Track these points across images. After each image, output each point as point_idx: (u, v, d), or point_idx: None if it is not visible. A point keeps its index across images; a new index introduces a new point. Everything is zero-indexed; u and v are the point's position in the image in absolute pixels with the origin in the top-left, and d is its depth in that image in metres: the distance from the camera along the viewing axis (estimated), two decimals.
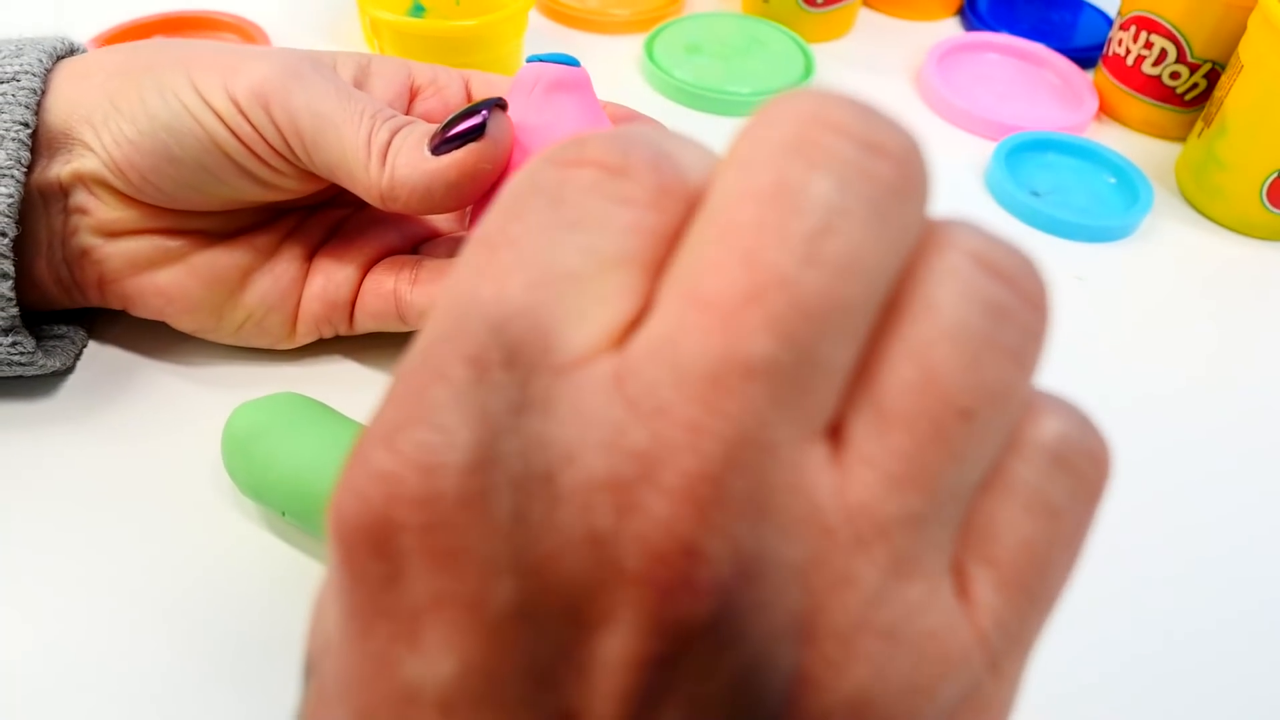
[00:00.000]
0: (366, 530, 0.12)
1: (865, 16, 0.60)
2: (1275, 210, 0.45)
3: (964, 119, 0.50)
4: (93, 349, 0.32)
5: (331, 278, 0.31)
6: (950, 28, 0.60)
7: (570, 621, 0.12)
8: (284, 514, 0.27)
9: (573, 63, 0.27)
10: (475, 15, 0.43)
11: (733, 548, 0.11)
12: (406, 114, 0.30)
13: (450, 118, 0.26)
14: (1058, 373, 0.37)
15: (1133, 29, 0.50)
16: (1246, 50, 0.43)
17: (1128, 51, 0.51)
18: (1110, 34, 0.53)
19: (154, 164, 0.26)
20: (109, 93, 0.26)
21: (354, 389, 0.32)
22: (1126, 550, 0.32)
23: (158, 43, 0.28)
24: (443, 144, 0.25)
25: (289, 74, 0.26)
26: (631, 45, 0.53)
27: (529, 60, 0.27)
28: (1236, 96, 0.44)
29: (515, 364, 0.12)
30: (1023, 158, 0.48)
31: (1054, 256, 0.44)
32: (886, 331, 0.13)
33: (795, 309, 0.11)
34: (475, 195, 0.26)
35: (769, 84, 0.50)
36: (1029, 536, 0.13)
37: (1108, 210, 0.46)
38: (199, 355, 0.32)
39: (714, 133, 0.47)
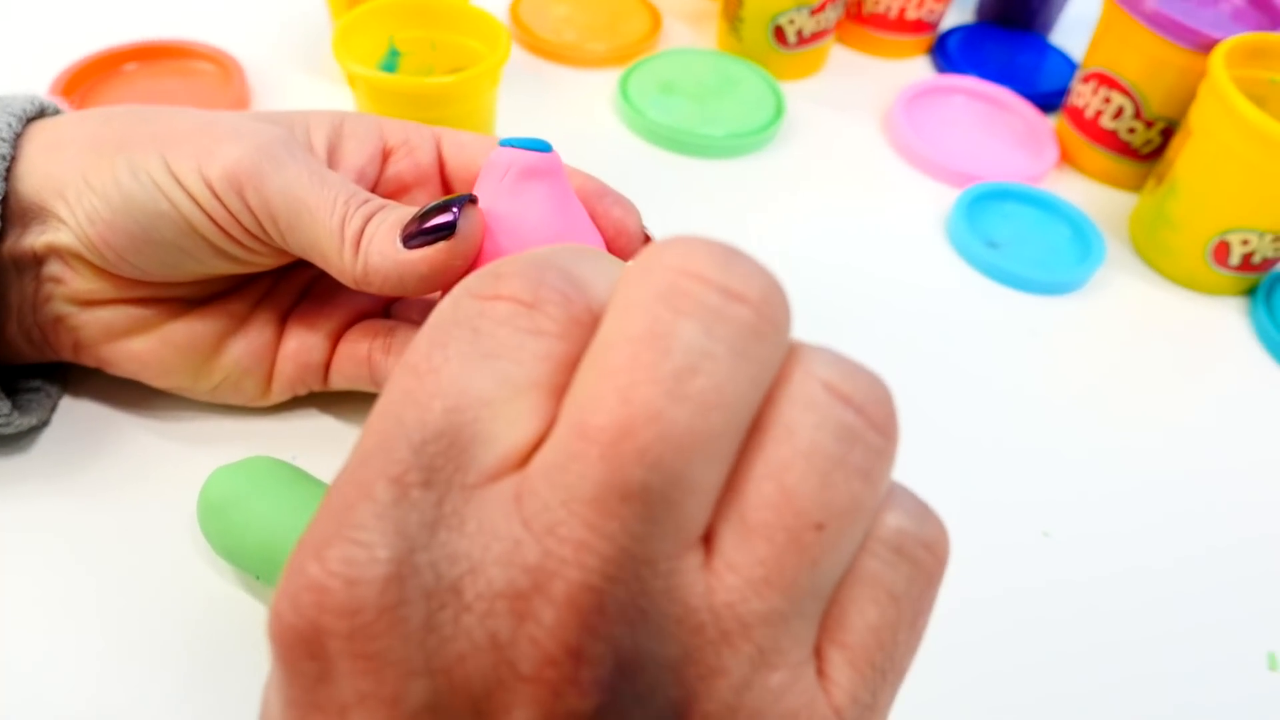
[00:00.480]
0: (299, 634, 0.14)
1: (837, 54, 0.61)
2: (1220, 269, 0.47)
3: (929, 166, 0.52)
4: (67, 402, 0.33)
5: (305, 341, 0.31)
6: (920, 67, 0.61)
7: (475, 716, 0.14)
8: (258, 577, 0.28)
9: (545, 148, 0.28)
10: (450, 62, 0.43)
11: (613, 649, 0.13)
12: (379, 174, 0.31)
13: (423, 210, 0.26)
14: (1012, 424, 0.39)
15: (1093, 84, 0.52)
16: (1196, 116, 0.45)
17: (1087, 105, 0.53)
18: (1071, 84, 0.55)
19: (128, 242, 0.27)
20: (82, 169, 0.27)
21: (329, 443, 0.33)
22: (1077, 598, 0.34)
23: (130, 113, 0.28)
24: (415, 236, 0.26)
25: (263, 157, 0.26)
26: (607, 80, 0.54)
27: (502, 144, 0.28)
28: (1186, 160, 0.45)
29: (432, 484, 0.14)
30: (984, 206, 0.50)
31: (1008, 309, 0.45)
32: (751, 451, 0.15)
33: (664, 441, 0.13)
34: (446, 285, 0.27)
35: (740, 125, 0.51)
36: (874, 620, 0.15)
37: (1061, 263, 0.48)
38: (175, 409, 0.33)
39: (686, 173, 0.49)
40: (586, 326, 0.15)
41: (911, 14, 0.59)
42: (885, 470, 0.15)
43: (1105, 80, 0.51)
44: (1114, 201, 0.53)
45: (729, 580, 0.14)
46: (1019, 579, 0.34)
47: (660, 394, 0.13)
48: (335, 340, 0.32)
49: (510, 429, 0.15)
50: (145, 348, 0.30)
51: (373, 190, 0.31)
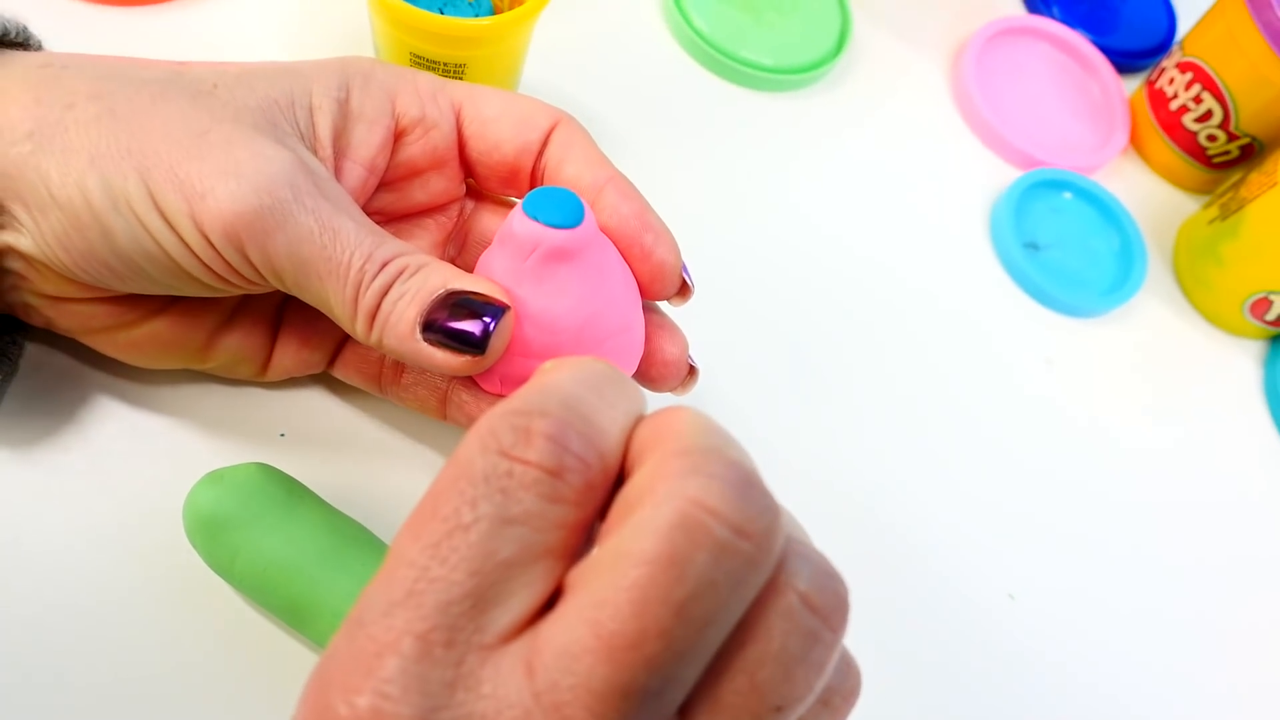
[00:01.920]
0: None
1: None
2: (1252, 320, 0.45)
3: (988, 134, 0.47)
4: (36, 352, 0.30)
5: (307, 342, 0.29)
6: None
7: None
8: (251, 597, 0.27)
9: (576, 220, 0.24)
10: None
11: None
12: (390, 161, 0.27)
13: (452, 300, 0.23)
14: (1023, 451, 0.38)
15: (1188, 76, 0.47)
16: None
17: (1175, 95, 0.48)
18: (1163, 62, 0.49)
19: (103, 269, 0.23)
20: (42, 174, 0.22)
21: (318, 417, 0.31)
22: (1042, 659, 0.35)
23: (95, 93, 0.23)
24: (438, 333, 0.23)
25: (265, 208, 0.22)
26: None
27: (525, 205, 0.24)
28: (1260, 211, 0.42)
29: (454, 644, 0.16)
30: (1035, 195, 0.46)
31: (1028, 330, 0.43)
32: (733, 646, 0.17)
33: (668, 652, 0.15)
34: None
35: (794, 55, 0.46)
36: None
37: (1098, 281, 0.45)
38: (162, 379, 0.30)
39: (726, 104, 0.44)
40: (601, 490, 0.17)
41: None
42: (835, 657, 0.18)
43: (1202, 77, 0.46)
44: (1170, 202, 0.50)
45: None
46: (984, 639, 0.35)
47: (669, 614, 0.15)
48: (339, 343, 0.29)
49: (525, 592, 0.16)
50: (128, 341, 0.27)
51: (382, 180, 0.28)
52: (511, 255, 0.24)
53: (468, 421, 0.28)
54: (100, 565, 0.28)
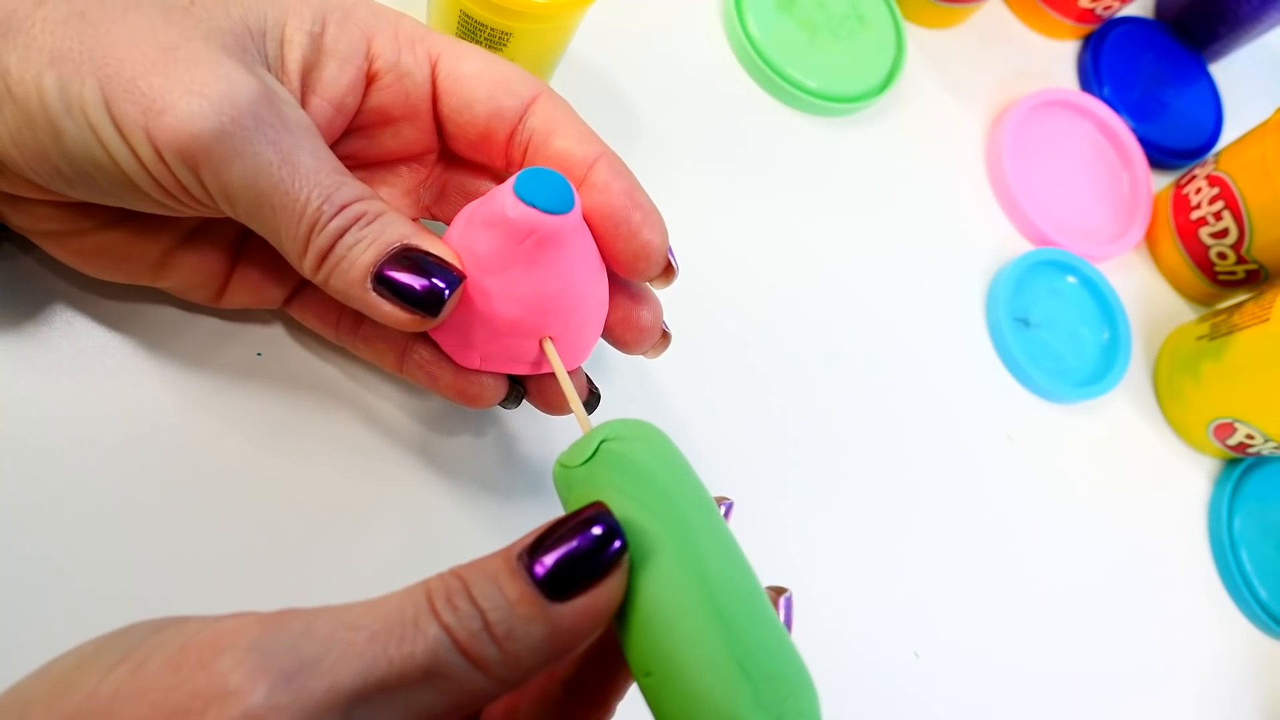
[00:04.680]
0: None
1: (993, 8, 0.53)
2: (1215, 442, 0.46)
3: (1010, 205, 0.48)
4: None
5: (267, 274, 0.28)
6: (1067, 53, 0.55)
7: None
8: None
9: (567, 205, 0.24)
10: None
11: None
12: (362, 105, 0.26)
13: (407, 256, 0.23)
14: (956, 517, 0.40)
15: (1215, 190, 0.47)
16: (1279, 309, 0.42)
17: (1198, 205, 0.48)
18: (1195, 169, 0.50)
19: (54, 172, 0.22)
20: (1, 66, 0.21)
21: (299, 334, 0.32)
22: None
23: None
24: (388, 286, 0.23)
25: (225, 134, 0.21)
26: None
27: (516, 188, 0.23)
28: (1246, 339, 0.43)
29: None
30: (1038, 273, 0.47)
31: (999, 404, 0.44)
32: None
33: None
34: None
35: (839, 84, 0.46)
36: None
37: (1079, 367, 0.46)
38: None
39: (763, 116, 0.44)
40: None
41: (1085, 2, 0.51)
42: None
43: (1227, 194, 0.46)
44: (1167, 304, 0.51)
45: None
46: (890, 696, 0.37)
47: None
48: (298, 282, 0.29)
49: None
50: (78, 248, 0.26)
51: (352, 122, 0.27)
52: (502, 238, 0.24)
53: (425, 378, 0.28)
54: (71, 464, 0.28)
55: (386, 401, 0.32)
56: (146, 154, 0.21)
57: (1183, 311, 0.51)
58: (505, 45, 0.34)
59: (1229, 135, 0.56)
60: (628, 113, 0.41)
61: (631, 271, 0.27)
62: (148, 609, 0.19)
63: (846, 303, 0.43)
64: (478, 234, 0.25)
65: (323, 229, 0.23)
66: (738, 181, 0.43)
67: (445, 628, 0.18)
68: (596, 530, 0.19)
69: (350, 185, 0.23)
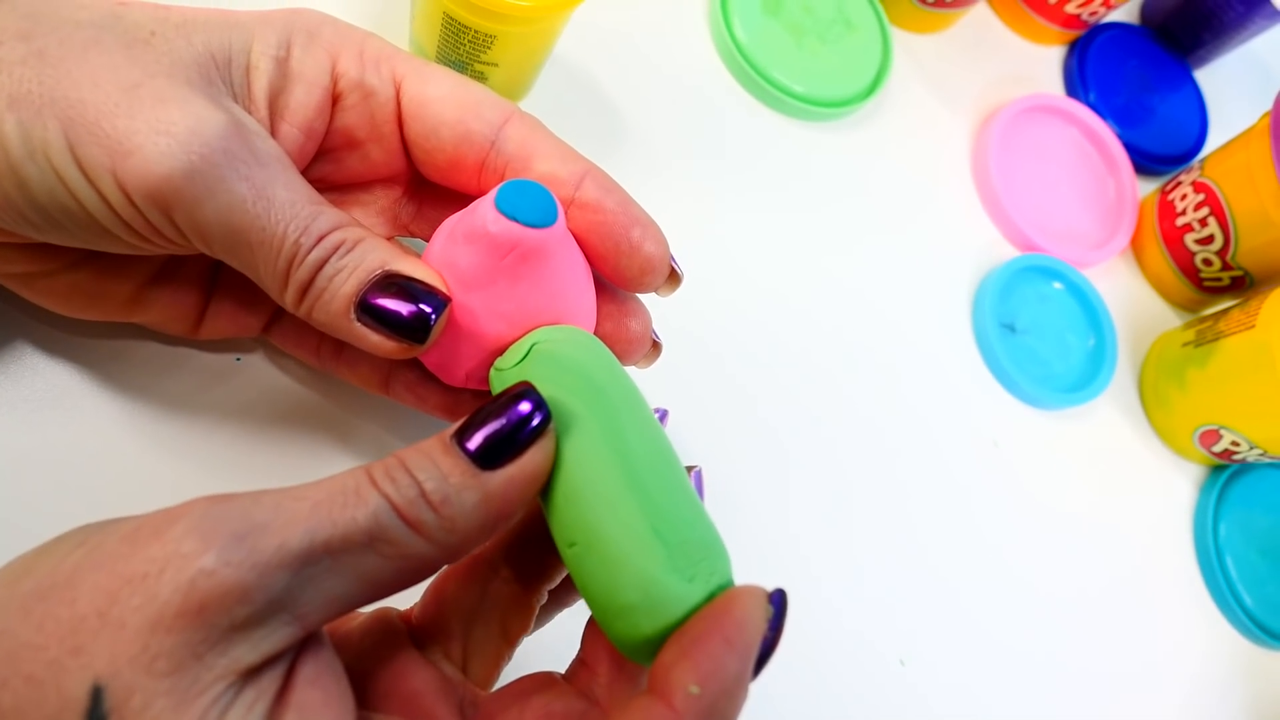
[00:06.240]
0: None
1: (979, 13, 0.53)
2: (1200, 449, 0.46)
3: (996, 210, 0.48)
4: None
5: (243, 304, 0.28)
6: (1053, 59, 0.55)
7: None
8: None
9: (550, 218, 0.23)
10: None
11: None
12: (329, 129, 0.26)
13: (389, 282, 0.22)
14: (942, 522, 0.39)
15: (1200, 196, 0.47)
16: (1265, 317, 0.42)
17: (1184, 212, 0.48)
18: (1181, 175, 0.50)
19: (15, 219, 0.21)
20: None
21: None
22: None
23: (15, 26, 0.21)
24: (373, 317, 0.22)
25: (196, 174, 0.21)
26: None
27: (498, 201, 0.23)
28: (1232, 346, 0.43)
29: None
30: (1024, 279, 0.47)
31: (984, 408, 0.44)
32: None
33: None
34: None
35: (825, 89, 0.45)
36: None
37: (1064, 373, 0.46)
38: None
39: (747, 120, 0.44)
40: None
41: (1072, 8, 0.51)
42: None
43: (1213, 201, 0.46)
44: (1153, 311, 0.51)
45: None
46: (875, 704, 0.37)
47: None
48: (275, 310, 0.28)
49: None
50: (48, 289, 0.25)
51: (321, 147, 0.26)
52: (484, 253, 0.24)
53: (412, 399, 0.28)
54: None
55: (368, 416, 0.32)
56: (115, 197, 0.21)
57: (1168, 318, 0.51)
58: (490, 48, 0.34)
59: (1214, 141, 0.56)
60: (613, 117, 0.41)
61: (637, 286, 0.26)
62: None
63: (832, 308, 0.42)
64: (459, 249, 0.24)
65: (301, 262, 0.22)
66: (723, 186, 0.42)
67: (385, 495, 0.19)
68: (523, 407, 0.20)
69: (327, 214, 0.23)
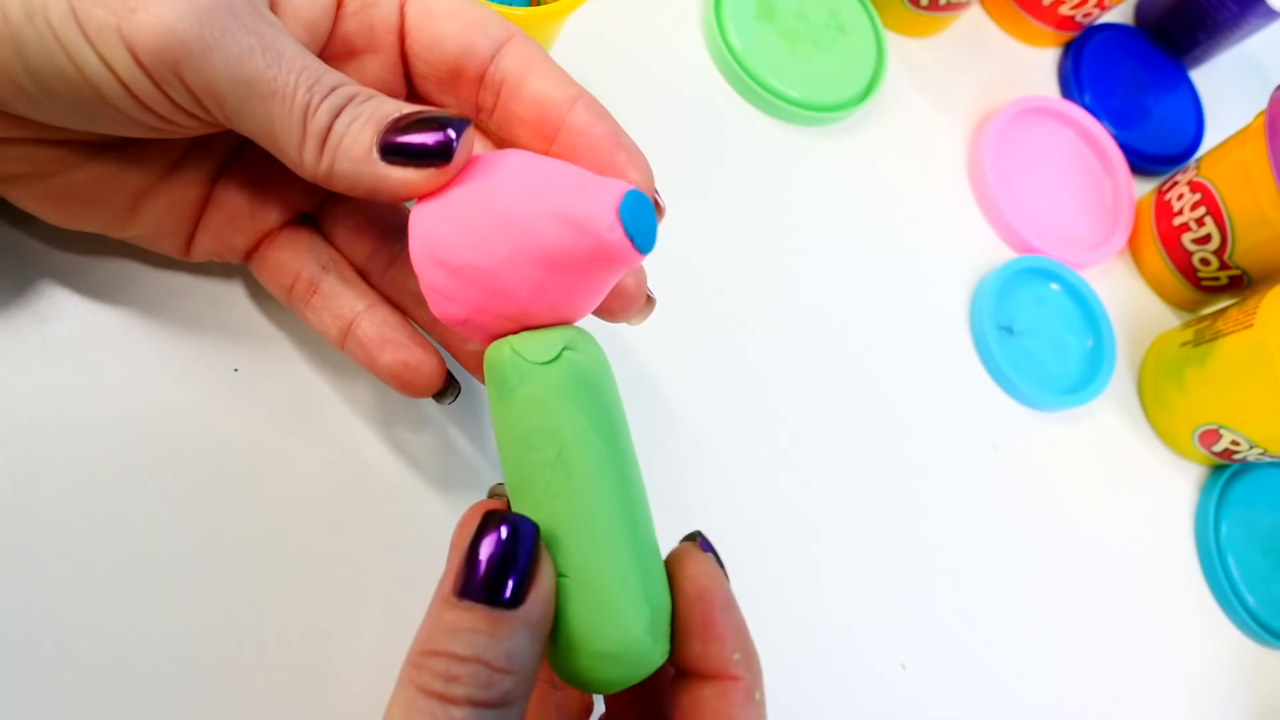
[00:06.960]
0: None
1: (973, 16, 0.53)
2: (1201, 449, 0.46)
3: (992, 212, 0.48)
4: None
5: (231, 220, 0.28)
6: (1048, 60, 0.55)
7: None
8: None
9: (655, 230, 0.22)
10: None
11: None
12: (330, 35, 0.26)
13: (409, 119, 0.22)
14: (943, 526, 0.39)
15: (1197, 196, 0.47)
16: (1264, 316, 0.42)
17: (1180, 212, 0.48)
18: (1177, 175, 0.50)
19: (14, 91, 0.21)
20: None
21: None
22: None
23: None
24: (396, 153, 0.22)
25: (203, 27, 0.20)
26: None
27: (626, 209, 0.21)
28: (1230, 345, 0.43)
29: None
30: (1021, 281, 0.47)
31: (983, 411, 0.44)
32: None
33: None
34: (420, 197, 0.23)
35: (820, 93, 0.45)
36: None
37: (1063, 375, 0.46)
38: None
39: (742, 126, 0.44)
40: None
41: (1065, 10, 0.52)
42: None
43: (1209, 200, 0.46)
44: (1151, 311, 0.51)
45: None
46: (877, 709, 0.37)
47: None
48: (263, 235, 0.28)
49: None
50: (45, 192, 0.25)
51: (319, 52, 0.26)
52: (576, 244, 0.22)
53: (364, 358, 0.28)
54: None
55: (369, 416, 0.32)
56: (120, 59, 0.21)
57: (1166, 318, 0.51)
58: None
59: (1210, 141, 0.56)
60: None
61: None
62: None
63: (829, 312, 0.42)
64: (547, 225, 0.22)
65: (317, 108, 0.22)
66: (719, 191, 0.42)
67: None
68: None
69: (335, 72, 0.23)
